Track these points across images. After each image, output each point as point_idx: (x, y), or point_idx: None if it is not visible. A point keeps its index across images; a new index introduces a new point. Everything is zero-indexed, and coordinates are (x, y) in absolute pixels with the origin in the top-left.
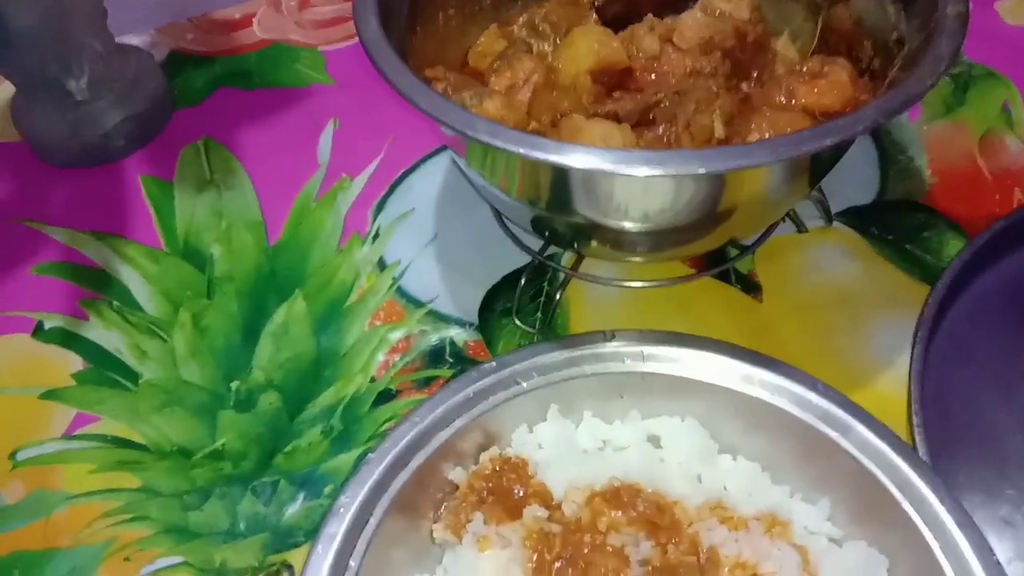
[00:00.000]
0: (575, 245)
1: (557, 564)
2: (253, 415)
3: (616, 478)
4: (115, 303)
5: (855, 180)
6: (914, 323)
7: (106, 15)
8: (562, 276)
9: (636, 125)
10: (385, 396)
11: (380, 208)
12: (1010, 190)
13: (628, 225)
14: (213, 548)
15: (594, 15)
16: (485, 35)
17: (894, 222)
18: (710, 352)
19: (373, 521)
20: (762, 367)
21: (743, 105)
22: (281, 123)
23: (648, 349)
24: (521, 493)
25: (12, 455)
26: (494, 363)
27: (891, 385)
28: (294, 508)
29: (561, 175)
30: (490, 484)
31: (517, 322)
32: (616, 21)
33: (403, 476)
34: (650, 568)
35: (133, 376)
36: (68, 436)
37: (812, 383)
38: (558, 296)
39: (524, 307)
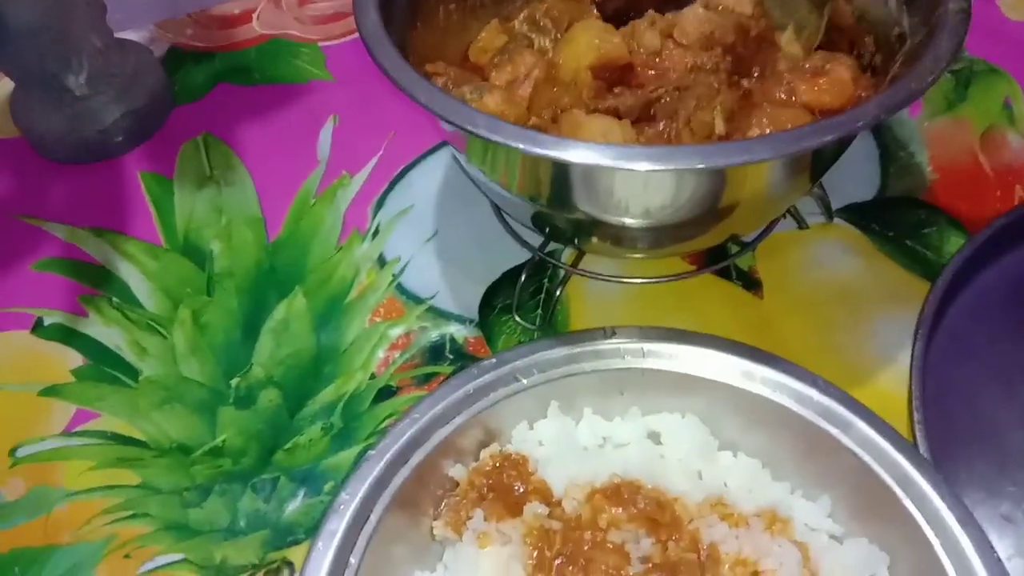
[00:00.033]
0: (575, 241)
1: (557, 561)
2: (253, 412)
3: (616, 475)
4: (115, 299)
5: (856, 176)
6: (915, 320)
7: (105, 11)
8: (562, 272)
9: (637, 121)
10: (385, 393)
11: (380, 204)
12: (1011, 187)
13: (628, 221)
14: (213, 545)
15: (595, 10)
16: (486, 30)
17: (895, 218)
18: (710, 349)
19: (373, 518)
20: (763, 364)
21: (744, 101)
22: (281, 119)
23: (648, 346)
24: (521, 490)
25: (12, 452)
26: (494, 360)
27: (892, 382)
28: (294, 505)
29: (561, 171)
30: (490, 481)
31: (517, 319)
32: (617, 16)
33: (403, 473)
34: (650, 565)
35: (133, 373)
36: (68, 433)
37: (813, 380)
38: (558, 293)
39: (524, 304)
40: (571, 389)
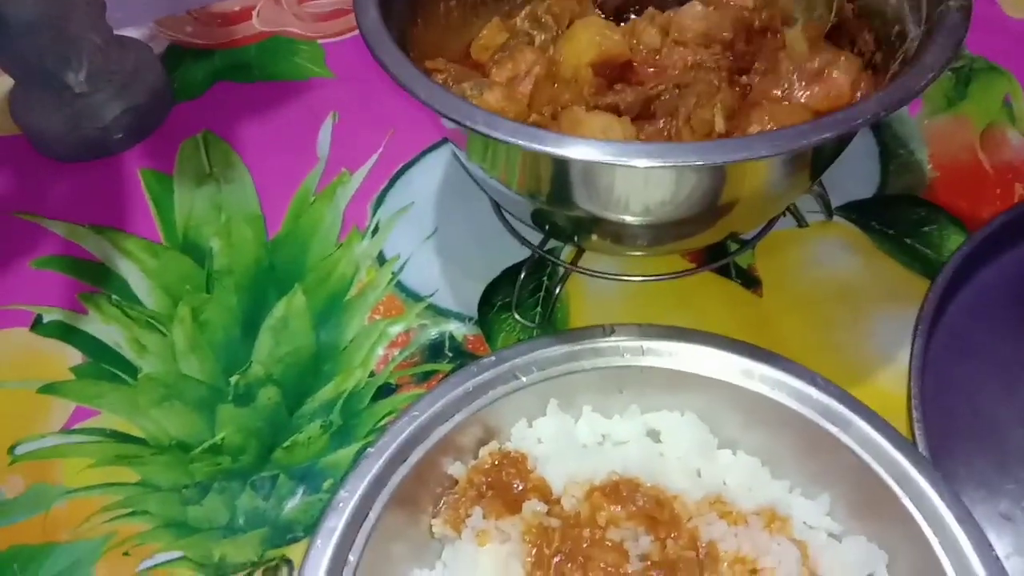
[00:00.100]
0: (575, 239)
1: (556, 558)
2: (252, 409)
3: (615, 472)
4: (114, 297)
5: (856, 174)
6: (914, 318)
7: (105, 8)
8: (562, 270)
9: (637, 118)
10: (384, 390)
11: (380, 202)
12: (1011, 184)
13: (628, 218)
14: (212, 543)
15: (596, 7)
16: (488, 28)
17: (895, 216)
18: (710, 347)
19: (372, 516)
20: (762, 362)
21: (744, 100)
22: (280, 116)
23: (648, 344)
24: (520, 488)
25: (11, 449)
26: (493, 357)
27: (891, 380)
28: (293, 503)
29: (561, 167)
30: (489, 478)
31: (516, 316)
32: (618, 13)
33: (402, 471)
34: (649, 563)
35: (132, 370)
36: (67, 430)
37: (812, 378)
38: (558, 290)
39: (524, 301)
40: (570, 387)
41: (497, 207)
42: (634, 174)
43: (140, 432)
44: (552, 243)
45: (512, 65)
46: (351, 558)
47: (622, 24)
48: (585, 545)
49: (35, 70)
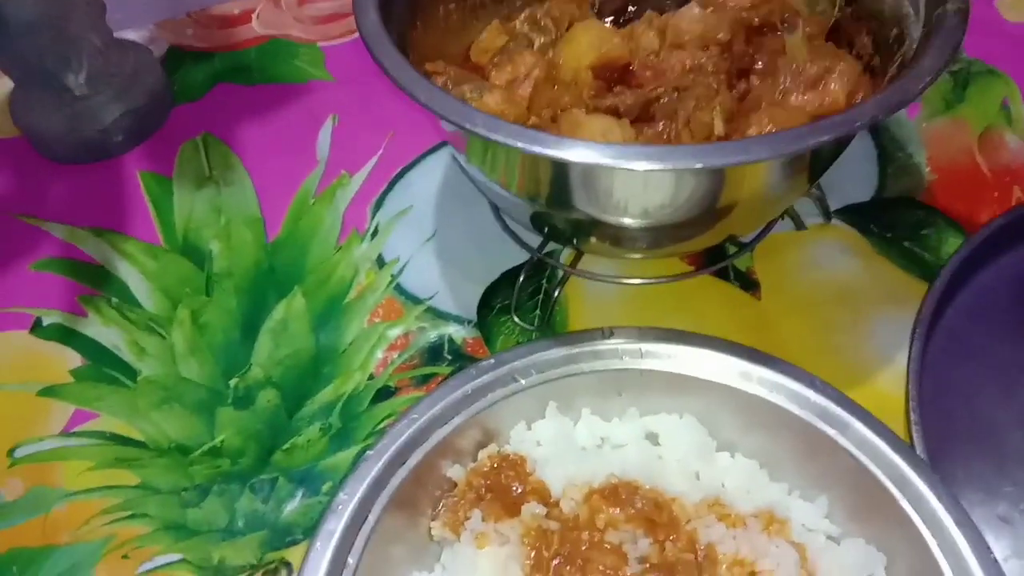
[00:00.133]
0: (574, 241)
1: (555, 561)
2: (252, 412)
3: (614, 475)
4: (114, 299)
5: (854, 177)
6: (912, 320)
7: (105, 10)
8: (561, 273)
9: (636, 121)
10: (384, 393)
11: (379, 205)
12: (1009, 187)
13: (627, 221)
14: (211, 545)
15: (595, 11)
16: (488, 30)
17: (893, 219)
18: (708, 349)
19: (371, 518)
20: (760, 364)
21: (743, 103)
22: (280, 119)
23: (646, 346)
24: (519, 490)
25: (10, 452)
26: (492, 360)
27: (889, 382)
28: (292, 505)
29: (560, 170)
30: (488, 481)
31: (516, 319)
32: (617, 16)
33: (401, 473)
34: (648, 565)
35: (132, 373)
36: (66, 433)
37: (810, 380)
38: (557, 293)
39: (523, 304)
40: (569, 390)
41: (496, 210)
42: (633, 177)
43: (140, 435)
44: (551, 246)
45: (512, 68)
46: (350, 560)
47: (621, 27)
48: (584, 547)
49: (35, 71)
